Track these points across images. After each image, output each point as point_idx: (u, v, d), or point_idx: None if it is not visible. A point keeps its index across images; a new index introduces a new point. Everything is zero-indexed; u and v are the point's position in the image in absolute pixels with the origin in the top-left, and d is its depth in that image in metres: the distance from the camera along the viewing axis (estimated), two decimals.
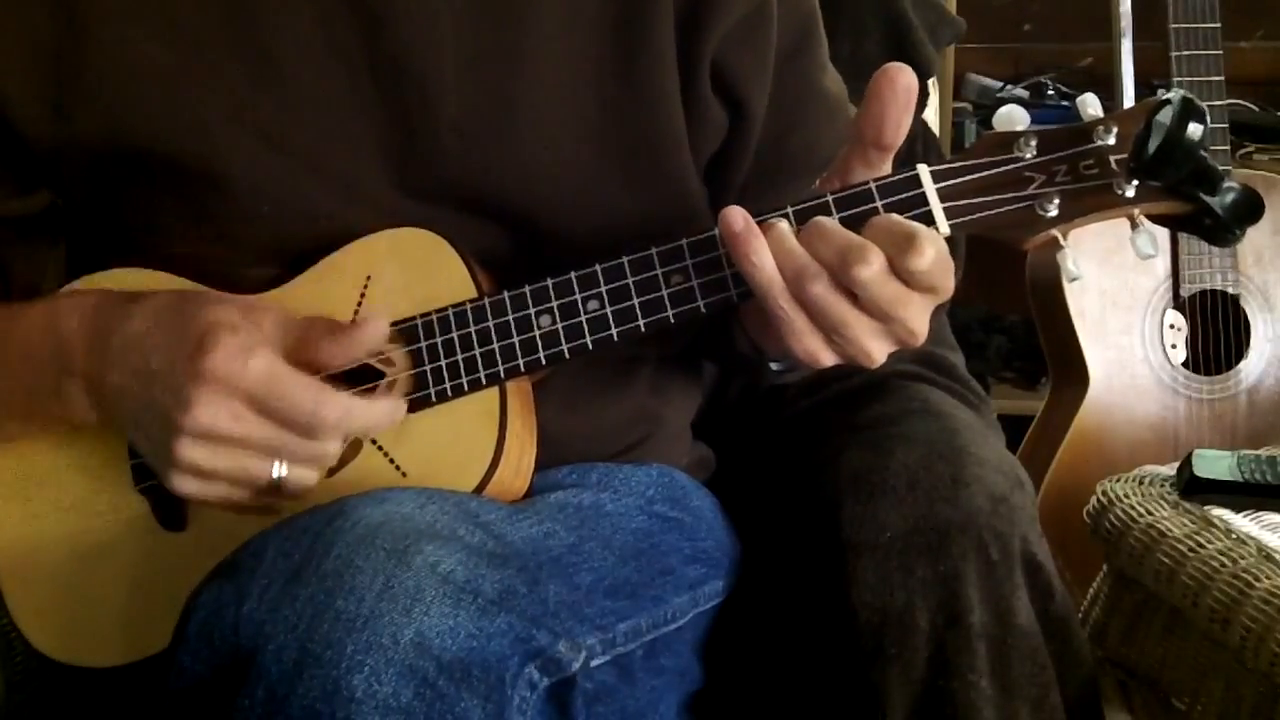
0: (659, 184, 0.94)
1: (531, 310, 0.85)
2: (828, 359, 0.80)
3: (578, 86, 0.91)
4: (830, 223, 0.78)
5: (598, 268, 0.84)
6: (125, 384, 0.82)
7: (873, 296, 0.76)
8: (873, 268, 0.75)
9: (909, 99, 0.78)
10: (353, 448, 0.86)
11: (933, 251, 0.76)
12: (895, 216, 0.78)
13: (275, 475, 0.81)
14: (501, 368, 0.86)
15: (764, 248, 0.78)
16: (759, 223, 0.79)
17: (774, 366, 0.93)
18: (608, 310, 0.84)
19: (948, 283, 0.78)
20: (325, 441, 0.81)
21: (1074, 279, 0.82)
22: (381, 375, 0.88)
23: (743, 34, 0.93)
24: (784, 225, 0.79)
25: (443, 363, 0.86)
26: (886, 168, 0.81)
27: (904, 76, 0.78)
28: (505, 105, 0.90)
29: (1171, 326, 1.80)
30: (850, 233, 0.77)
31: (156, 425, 0.80)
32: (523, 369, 0.86)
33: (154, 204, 0.91)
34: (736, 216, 0.78)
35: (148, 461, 0.85)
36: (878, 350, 0.79)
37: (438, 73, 0.89)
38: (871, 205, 0.80)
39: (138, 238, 0.92)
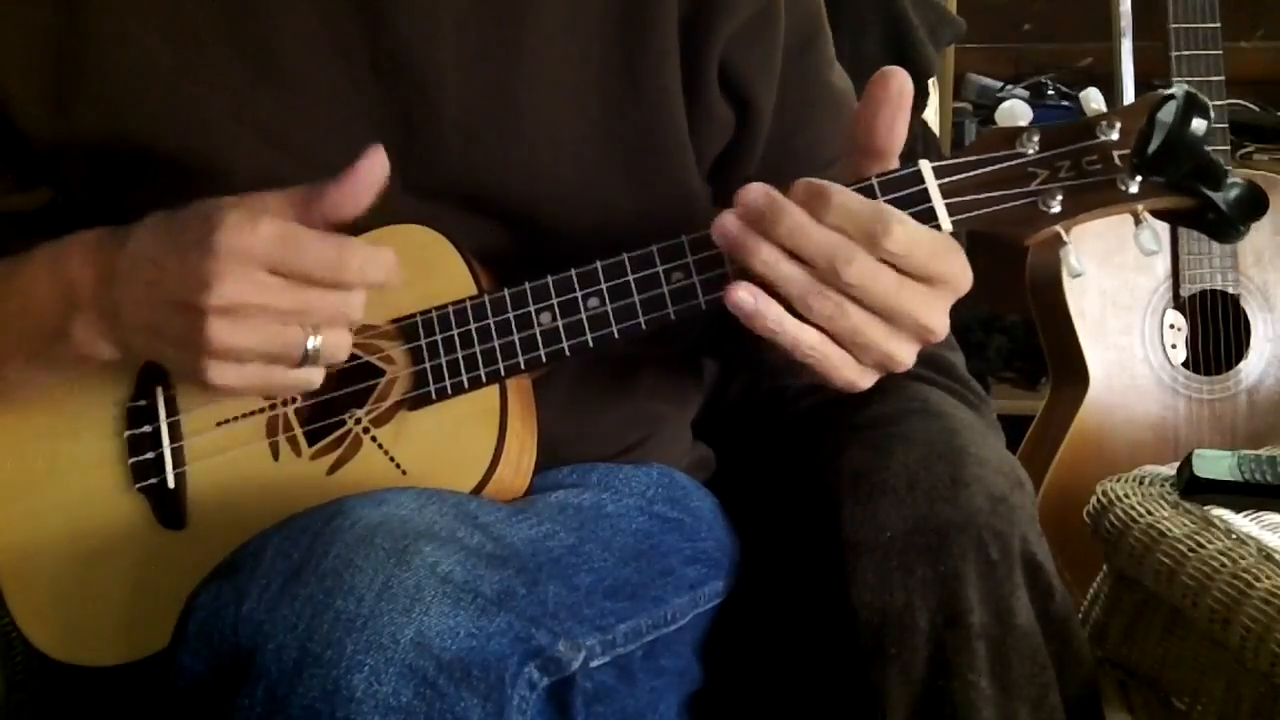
0: (661, 183, 0.94)
1: (532, 308, 0.85)
2: (865, 380, 0.80)
3: (580, 84, 0.91)
4: (809, 223, 0.76)
5: (598, 265, 0.84)
6: (140, 295, 0.80)
7: (866, 296, 0.76)
8: (856, 268, 0.74)
9: (902, 101, 0.78)
10: (352, 446, 0.86)
11: (901, 230, 0.74)
12: (855, 203, 0.76)
13: (310, 344, 0.79)
14: (502, 365, 0.85)
15: (771, 303, 0.76)
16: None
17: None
18: (608, 308, 0.84)
19: (949, 270, 0.77)
20: (352, 291, 0.79)
21: (1077, 275, 0.81)
22: (381, 373, 0.87)
23: (750, 34, 0.93)
24: (768, 250, 0.77)
25: (443, 360, 0.86)
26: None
27: (898, 79, 0.78)
28: (507, 103, 0.90)
29: (1171, 326, 1.80)
30: (832, 233, 0.75)
31: (179, 321, 0.78)
32: (523, 366, 0.86)
33: (155, 200, 0.90)
34: (745, 296, 0.76)
35: (176, 372, 0.83)
36: (900, 352, 0.78)
37: (439, 70, 0.89)
38: None
39: None
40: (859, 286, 0.75)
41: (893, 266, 0.76)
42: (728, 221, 0.77)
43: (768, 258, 0.76)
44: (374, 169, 0.79)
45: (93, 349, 0.84)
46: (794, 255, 0.76)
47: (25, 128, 0.89)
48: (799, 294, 0.76)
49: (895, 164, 0.80)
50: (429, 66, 0.89)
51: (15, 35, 0.88)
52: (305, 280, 0.78)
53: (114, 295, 0.81)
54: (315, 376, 0.81)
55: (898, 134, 0.79)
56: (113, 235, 0.83)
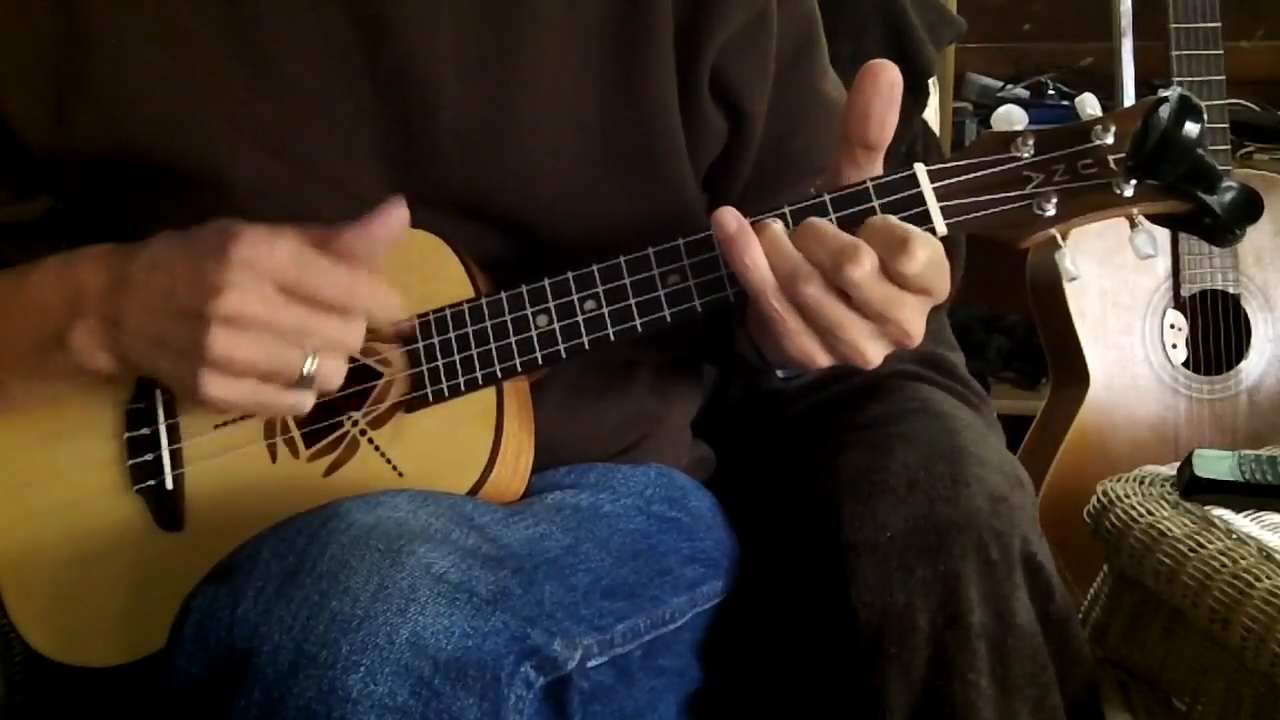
0: (658, 191, 0.94)
1: (529, 310, 0.85)
2: (823, 360, 0.80)
3: (577, 94, 0.91)
4: (823, 223, 0.78)
5: (595, 268, 0.84)
6: (147, 304, 0.81)
7: (865, 298, 0.76)
8: (864, 268, 0.75)
9: (893, 95, 0.78)
10: (349, 448, 0.86)
11: (924, 254, 0.75)
12: (890, 218, 0.78)
13: (306, 368, 0.80)
14: (498, 368, 0.86)
15: (758, 249, 0.77)
16: (753, 223, 0.79)
17: (780, 374, 0.93)
18: (604, 310, 0.84)
19: (942, 284, 0.78)
20: (354, 321, 0.80)
21: (1072, 279, 0.81)
22: (379, 376, 0.88)
23: (742, 42, 0.93)
24: (778, 226, 0.79)
25: (440, 363, 0.86)
26: (877, 168, 0.81)
27: (888, 73, 0.78)
28: (505, 112, 0.90)
29: (1172, 326, 1.80)
30: (843, 233, 0.77)
31: (183, 329, 0.79)
32: (519, 369, 0.86)
33: (155, 208, 0.91)
34: (730, 218, 0.78)
35: (173, 384, 0.84)
36: (873, 352, 0.79)
37: (438, 80, 0.89)
38: (869, 204, 0.80)
39: (138, 241, 0.92)
40: (859, 286, 0.76)
41: (895, 282, 0.76)
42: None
43: (770, 230, 0.78)
44: (392, 219, 0.81)
45: (90, 359, 0.84)
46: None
47: (25, 136, 0.89)
48: (789, 271, 0.77)
49: (882, 156, 0.81)
50: (428, 75, 0.89)
51: (14, 44, 0.88)
52: (312, 302, 0.79)
53: (120, 301, 0.82)
54: (306, 401, 0.82)
55: (888, 128, 0.79)
56: (127, 246, 0.84)
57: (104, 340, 0.83)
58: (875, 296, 0.76)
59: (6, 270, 0.90)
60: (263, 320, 0.78)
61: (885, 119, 0.79)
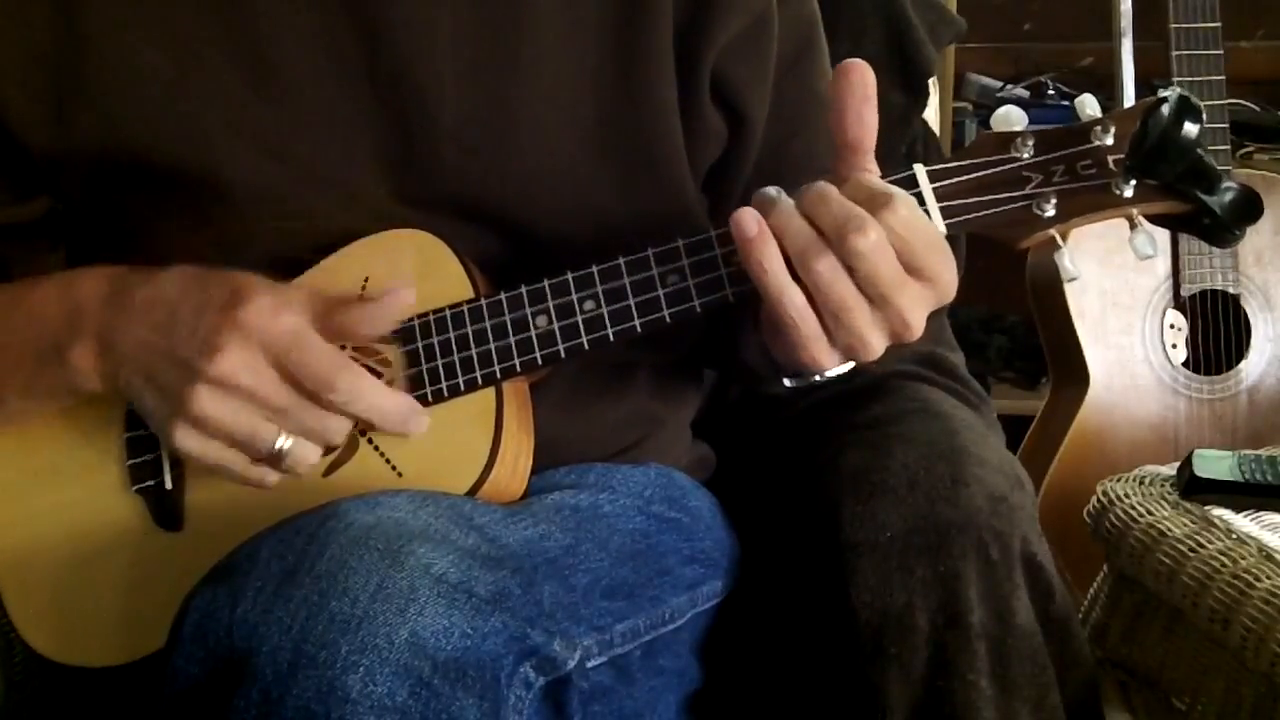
0: (657, 193, 0.94)
1: (528, 311, 0.85)
2: (829, 360, 0.80)
3: (576, 96, 0.91)
4: (831, 189, 0.77)
5: (594, 269, 0.84)
6: (144, 337, 0.82)
7: (869, 271, 0.76)
8: (869, 239, 0.75)
9: (865, 91, 0.79)
10: (349, 448, 0.86)
11: (905, 210, 0.76)
12: (868, 179, 0.78)
13: (277, 445, 0.81)
14: (498, 368, 0.86)
15: (776, 253, 0.77)
16: (761, 199, 0.79)
17: (788, 383, 0.93)
18: (604, 310, 0.84)
19: (937, 264, 0.78)
20: (334, 415, 0.81)
21: (1071, 279, 0.82)
22: (378, 376, 0.87)
23: (742, 45, 0.93)
24: (788, 202, 0.78)
25: (439, 363, 0.86)
26: (873, 169, 0.81)
27: (858, 71, 0.79)
28: (503, 114, 0.90)
29: (1172, 326, 1.80)
30: (851, 203, 0.76)
31: (172, 375, 0.80)
32: (519, 369, 0.86)
33: (154, 210, 0.91)
34: (750, 220, 0.78)
35: (149, 419, 0.85)
36: (875, 340, 0.79)
37: (436, 82, 0.89)
38: None
39: (137, 243, 0.92)
40: (864, 257, 0.75)
41: (893, 250, 0.76)
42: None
43: (782, 207, 0.78)
44: (398, 304, 0.82)
45: (84, 380, 0.85)
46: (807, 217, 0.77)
47: (25, 138, 0.89)
48: (802, 248, 0.77)
49: (871, 155, 0.81)
50: (427, 78, 0.89)
51: (14, 45, 0.88)
52: (296, 384, 0.80)
53: (118, 323, 0.83)
54: (269, 478, 0.83)
55: (867, 124, 0.79)
56: (137, 272, 0.85)
57: (98, 359, 0.84)
58: (880, 273, 0.76)
59: (10, 284, 0.91)
60: (248, 391, 0.80)
61: (863, 115, 0.79)
